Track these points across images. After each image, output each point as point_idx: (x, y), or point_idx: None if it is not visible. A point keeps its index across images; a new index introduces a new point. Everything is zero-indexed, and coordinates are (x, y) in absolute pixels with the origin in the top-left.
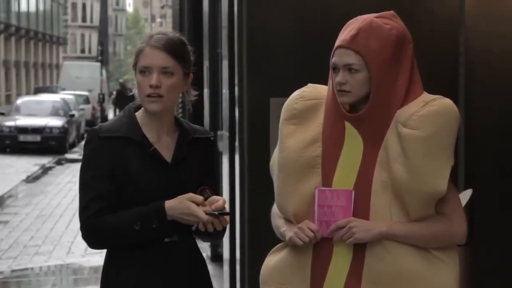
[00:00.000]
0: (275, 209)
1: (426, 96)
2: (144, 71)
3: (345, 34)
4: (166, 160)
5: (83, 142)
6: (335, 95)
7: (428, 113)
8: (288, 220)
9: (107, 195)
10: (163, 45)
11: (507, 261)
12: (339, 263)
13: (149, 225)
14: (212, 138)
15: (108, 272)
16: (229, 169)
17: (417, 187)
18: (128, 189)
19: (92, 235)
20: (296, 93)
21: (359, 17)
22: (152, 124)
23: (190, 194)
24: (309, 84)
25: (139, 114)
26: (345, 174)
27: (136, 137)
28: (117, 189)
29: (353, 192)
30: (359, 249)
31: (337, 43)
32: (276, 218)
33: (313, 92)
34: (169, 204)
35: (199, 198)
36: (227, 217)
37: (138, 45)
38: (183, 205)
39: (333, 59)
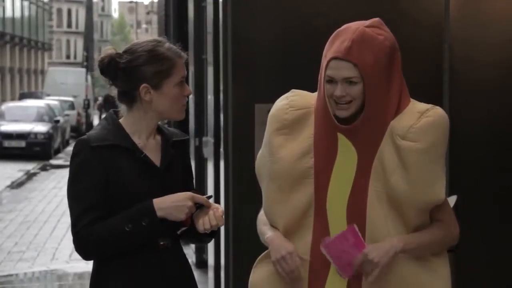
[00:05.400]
0: (261, 215)
1: (416, 105)
2: (182, 81)
3: (337, 45)
4: (156, 165)
5: (68, 148)
6: (327, 106)
7: (425, 125)
8: (273, 226)
9: (99, 205)
10: (184, 56)
11: (492, 266)
12: (337, 276)
13: (139, 224)
14: (188, 139)
15: (100, 282)
16: (214, 174)
17: (418, 198)
18: (122, 196)
19: (86, 245)
20: (283, 102)
21: (348, 26)
22: (139, 130)
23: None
24: (293, 91)
25: (124, 121)
26: (340, 186)
27: (125, 144)
28: (111, 197)
29: (355, 226)
30: None
31: (331, 54)
32: (261, 225)
33: (301, 101)
34: (157, 199)
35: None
36: (222, 217)
37: (163, 57)
38: (173, 196)
39: (329, 72)
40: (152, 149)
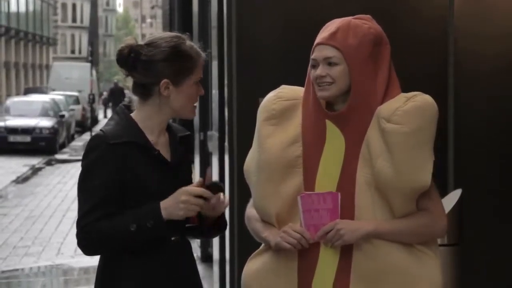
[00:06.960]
0: (250, 212)
1: (405, 93)
2: (198, 82)
3: (323, 33)
4: (169, 162)
5: (73, 143)
6: (316, 94)
7: (411, 108)
8: (266, 223)
9: (109, 203)
10: (203, 56)
11: (496, 260)
12: (327, 261)
13: (144, 225)
14: (191, 135)
15: (108, 277)
16: (218, 169)
17: (402, 182)
18: (136, 193)
19: (89, 241)
20: (272, 94)
21: (337, 19)
22: (151, 126)
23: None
24: (283, 86)
25: (136, 115)
26: (328, 173)
27: (140, 141)
28: (125, 194)
29: (339, 194)
30: (347, 246)
31: (316, 41)
32: (254, 222)
33: (290, 92)
34: (163, 201)
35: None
36: (226, 201)
37: (187, 54)
38: (177, 193)
39: (313, 55)
40: (163, 146)
